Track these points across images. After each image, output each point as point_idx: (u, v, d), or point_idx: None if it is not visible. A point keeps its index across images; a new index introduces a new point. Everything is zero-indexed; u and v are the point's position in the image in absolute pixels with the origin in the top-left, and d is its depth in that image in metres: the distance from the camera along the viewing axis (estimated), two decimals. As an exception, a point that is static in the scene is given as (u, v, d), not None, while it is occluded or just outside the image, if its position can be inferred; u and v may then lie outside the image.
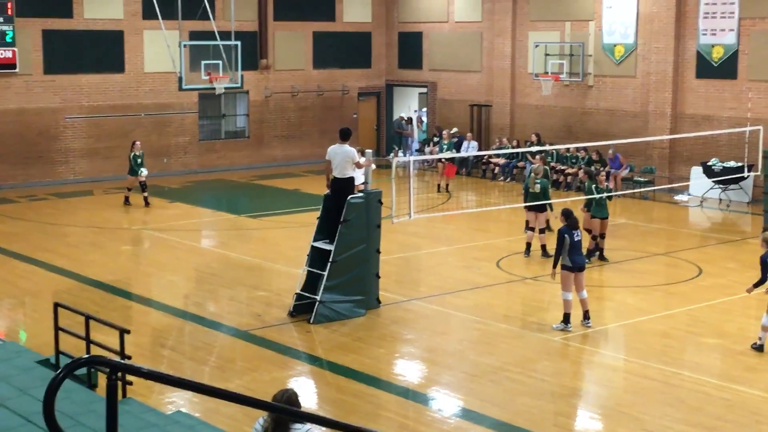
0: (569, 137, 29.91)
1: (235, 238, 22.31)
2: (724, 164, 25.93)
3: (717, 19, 26.89)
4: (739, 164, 25.09)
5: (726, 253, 20.33)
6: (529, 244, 19.83)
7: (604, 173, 20.17)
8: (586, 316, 14.95)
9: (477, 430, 11.22)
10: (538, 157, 22.31)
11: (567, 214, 15.07)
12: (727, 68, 26.82)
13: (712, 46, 27.08)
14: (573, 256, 14.76)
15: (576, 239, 14.82)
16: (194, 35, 29.78)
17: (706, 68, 27.31)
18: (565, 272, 14.77)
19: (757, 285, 14.01)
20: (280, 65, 33.78)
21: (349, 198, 15.48)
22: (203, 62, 27.61)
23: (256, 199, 28.41)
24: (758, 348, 13.82)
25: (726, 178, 25.51)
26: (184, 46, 27.34)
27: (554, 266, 14.88)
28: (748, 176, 24.88)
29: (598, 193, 19.31)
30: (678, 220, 24.92)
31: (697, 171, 26.76)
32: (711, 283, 17.82)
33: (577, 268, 14.80)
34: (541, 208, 19.56)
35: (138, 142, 26.19)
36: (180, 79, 26.95)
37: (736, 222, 24.54)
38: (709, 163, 26.24)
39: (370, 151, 16.57)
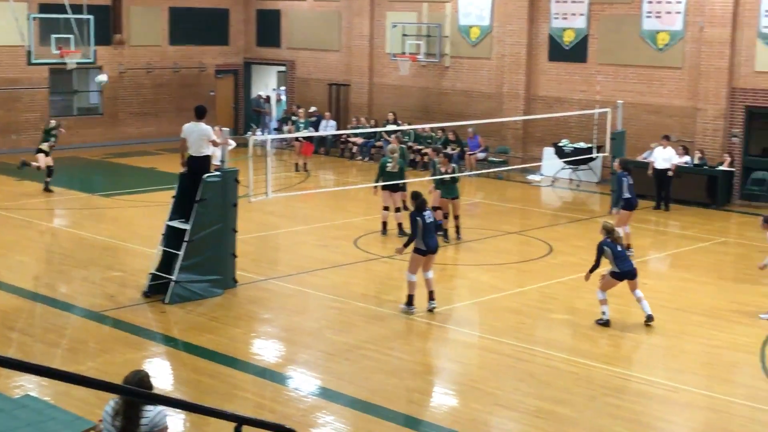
0: (426, 117, 30.27)
1: (88, 217, 21.76)
2: (575, 145, 26.72)
3: (568, 4, 27.60)
4: (589, 145, 25.89)
5: (576, 231, 20.96)
6: (385, 224, 20.00)
7: (443, 157, 20.25)
8: (431, 297, 14.81)
9: (333, 408, 11.29)
10: (393, 136, 22.61)
11: (415, 196, 14.99)
12: (577, 52, 27.58)
13: (564, 29, 27.80)
14: (426, 239, 14.67)
15: (428, 221, 14.74)
16: (44, 8, 28.84)
17: (557, 51, 28.02)
18: (417, 255, 14.74)
19: (592, 271, 14.54)
20: (135, 41, 33.03)
21: (204, 177, 15.28)
22: (54, 36, 26.77)
23: (109, 177, 27.76)
24: (604, 323, 14.31)
25: (576, 158, 26.28)
26: (33, 18, 26.45)
27: (404, 246, 14.96)
28: (597, 157, 25.70)
29: (440, 174, 19.53)
30: (531, 199, 25.54)
31: (549, 152, 27.49)
32: (561, 260, 18.35)
33: (430, 251, 14.76)
34: (397, 188, 19.71)
35: None
36: (29, 53, 26.07)
37: (586, 201, 25.32)
38: (560, 144, 26.98)
39: (227, 129, 16.38)
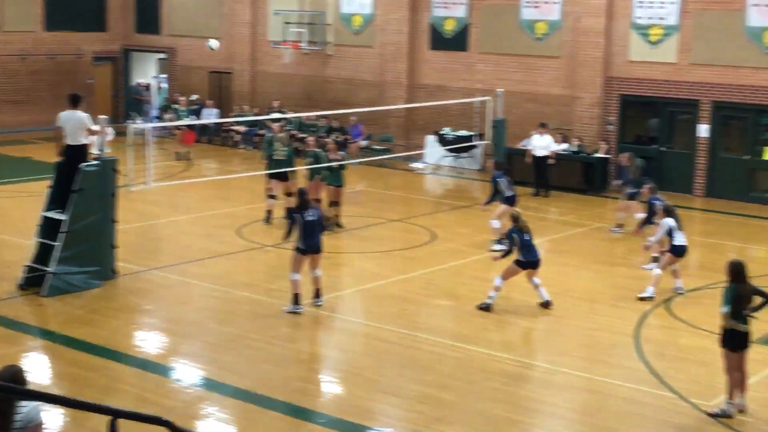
0: (310, 105, 30.18)
1: (-41, 208, 21.06)
2: (456, 133, 27.02)
3: (449, -7, 27.86)
4: (470, 133, 26.22)
5: (457, 218, 21.23)
6: (269, 212, 19.90)
7: (333, 143, 20.51)
8: (317, 294, 14.42)
9: (217, 399, 11.20)
10: (276, 125, 22.48)
11: (299, 194, 14.71)
12: (458, 41, 27.88)
13: (445, 18, 28.06)
14: (306, 238, 14.19)
15: (308, 219, 14.20)
16: None
17: (439, 40, 28.27)
18: (297, 255, 14.29)
19: (504, 256, 14.87)
20: (8, 26, 32.02)
21: (82, 166, 14.94)
22: None
23: (-18, 167, 26.89)
24: (485, 308, 14.55)
25: (458, 146, 26.58)
26: None
27: (283, 238, 14.81)
28: (478, 145, 26.05)
29: (327, 161, 19.58)
30: (414, 187, 25.75)
31: (431, 140, 27.74)
32: (444, 247, 18.56)
33: (311, 251, 14.31)
34: (284, 176, 19.64)
35: None
36: None
37: (467, 188, 25.64)
38: (442, 132, 27.26)
39: (105, 117, 16.04)
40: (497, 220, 18.38)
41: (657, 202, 17.11)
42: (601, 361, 12.81)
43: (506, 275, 14.72)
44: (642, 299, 15.36)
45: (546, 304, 14.75)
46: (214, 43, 22.42)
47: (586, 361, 12.76)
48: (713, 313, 12.09)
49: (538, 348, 13.39)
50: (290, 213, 14.53)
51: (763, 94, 23.45)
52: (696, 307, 15.22)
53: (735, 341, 10.83)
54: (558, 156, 24.41)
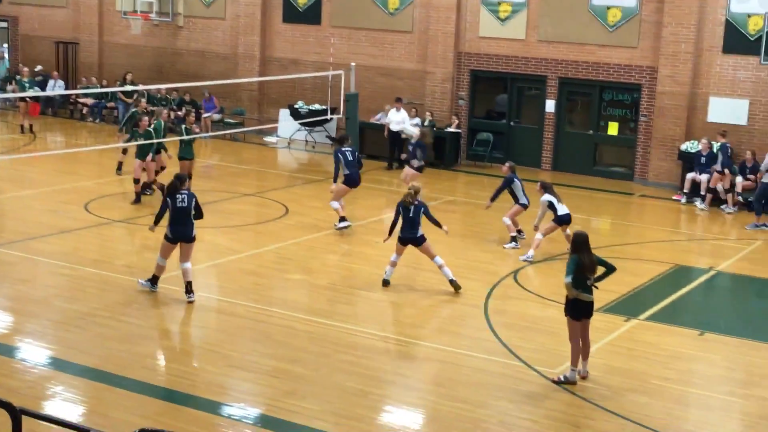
0: (160, 78, 29.59)
1: None
2: (310, 107, 26.95)
3: (302, -34, 27.70)
4: (324, 107, 26.20)
5: (311, 192, 21.22)
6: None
7: (193, 114, 20.38)
8: (187, 289, 13.53)
9: (63, 378, 10.91)
10: (143, 100, 22.40)
11: (174, 177, 13.86)
12: (311, 14, 27.76)
13: (298, -9, 27.88)
14: (174, 225, 13.44)
15: (179, 206, 13.40)
16: None
17: (292, 13, 28.09)
18: (165, 242, 13.59)
19: (390, 233, 14.86)
20: None
21: None
22: None
23: None
24: (384, 283, 14.68)
25: (311, 120, 26.52)
26: None
27: (153, 225, 14.16)
28: (332, 119, 26.07)
29: (187, 134, 19.40)
30: (267, 161, 25.58)
31: (284, 113, 27.59)
32: (297, 221, 18.54)
33: (181, 239, 13.52)
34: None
35: None
36: None
37: (321, 162, 25.61)
38: (296, 106, 27.14)
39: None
40: (339, 200, 18.07)
41: (516, 180, 17.70)
42: (452, 332, 13.05)
43: (397, 250, 14.75)
44: (525, 261, 16.38)
45: (454, 285, 14.52)
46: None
47: (438, 332, 12.99)
48: (559, 284, 12.45)
49: (390, 321, 13.54)
50: (164, 198, 13.64)
51: (606, 70, 24.20)
52: (543, 277, 15.67)
53: (578, 310, 11.19)
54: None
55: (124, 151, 21.40)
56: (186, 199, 13.50)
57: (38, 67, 30.94)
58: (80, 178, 21.47)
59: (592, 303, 11.29)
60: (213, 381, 11.03)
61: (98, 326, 12.50)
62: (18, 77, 29.44)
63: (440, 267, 14.60)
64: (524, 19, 24.94)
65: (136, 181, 19.24)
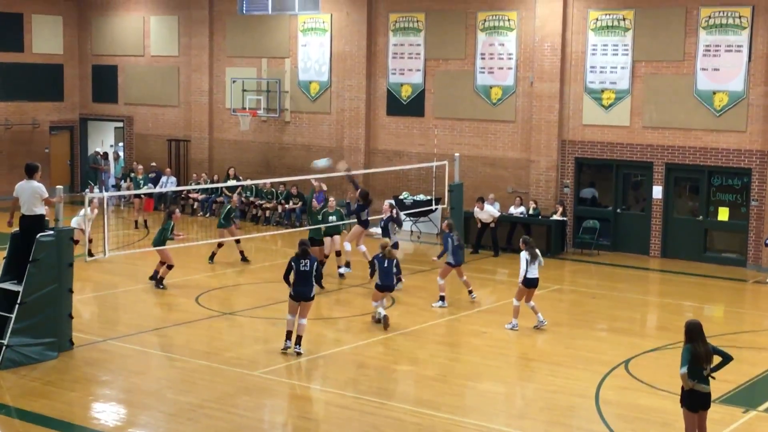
0: (268, 172, 30.27)
1: None
2: (415, 197, 27.15)
3: (405, 59, 28.22)
4: (428, 197, 26.37)
5: (417, 282, 21.22)
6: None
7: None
8: (297, 341, 15.42)
9: (175, 471, 11.03)
10: (235, 195, 23.37)
11: (299, 244, 15.55)
12: (415, 106, 28.17)
13: (401, 84, 28.37)
14: (296, 287, 15.27)
15: (302, 268, 15.24)
16: None
17: (396, 106, 28.55)
18: (290, 300, 15.41)
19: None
20: (-37, 96, 31.92)
21: (38, 236, 14.82)
22: None
23: (-64, 238, 26.56)
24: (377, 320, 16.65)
25: (416, 210, 26.68)
26: None
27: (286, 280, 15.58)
28: (437, 209, 26.20)
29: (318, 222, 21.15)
30: (372, 251, 25.66)
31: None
32: (403, 311, 18.52)
33: (300, 299, 15.29)
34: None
35: None
36: None
37: (426, 252, 25.65)
38: (401, 197, 27.38)
39: (60, 187, 15.97)
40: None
41: (450, 239, 18.84)
42: (561, 423, 12.80)
43: (374, 297, 17.37)
44: (511, 329, 17.12)
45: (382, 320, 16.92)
46: (321, 163, 22.74)
47: (547, 423, 12.74)
48: (672, 374, 12.15)
49: (499, 412, 13.34)
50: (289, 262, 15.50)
51: (714, 155, 23.87)
52: (655, 367, 15.30)
53: (695, 402, 10.87)
54: (514, 219, 24.77)
55: (220, 244, 22.77)
56: (309, 264, 15.26)
57: (152, 164, 31.97)
58: (191, 272, 21.94)
59: (709, 394, 10.96)
60: (322, 473, 10.99)
61: (208, 418, 12.64)
62: (132, 175, 30.47)
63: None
64: (628, 105, 24.86)
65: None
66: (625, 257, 24.65)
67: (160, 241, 20.05)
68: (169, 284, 20.32)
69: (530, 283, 17.20)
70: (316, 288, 15.73)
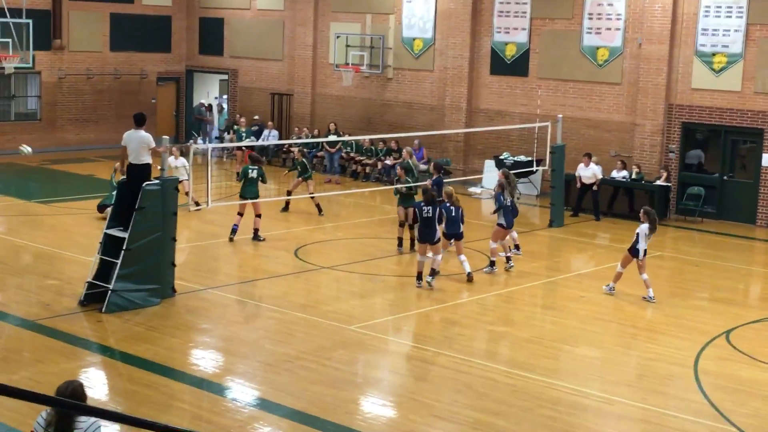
0: (369, 128, 30.33)
1: (24, 224, 21.43)
2: (515, 158, 26.92)
3: (510, 18, 27.87)
4: (529, 158, 26.13)
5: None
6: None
7: (400, 168, 20.70)
8: (431, 273, 16.98)
9: (271, 419, 11.24)
10: (297, 149, 23.81)
11: (423, 191, 17.56)
12: (519, 66, 27.84)
13: (506, 44, 28.05)
14: (420, 230, 17.01)
15: (425, 215, 16.84)
16: (-18, 11, 28.39)
17: (499, 65, 28.26)
18: (419, 244, 17.10)
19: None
20: (75, 46, 32.67)
21: (144, 185, 15.15)
22: (-9, 40, 26.37)
23: (47, 184, 27.40)
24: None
25: (517, 171, 26.42)
26: (-29, 22, 26.04)
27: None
28: (537, 170, 25.96)
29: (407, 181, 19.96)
30: (472, 211, 25.57)
31: (489, 164, 27.66)
32: (499, 272, 18.44)
33: (421, 240, 17.06)
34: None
35: None
36: (-35, 57, 25.67)
37: (526, 214, 25.45)
38: (501, 157, 27.17)
39: (167, 137, 16.27)
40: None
41: (501, 197, 18.48)
42: (658, 391, 12.64)
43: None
44: (609, 292, 16.92)
45: (468, 277, 17.33)
46: (26, 149, 22.20)
47: (643, 391, 12.59)
48: (775, 346, 11.88)
49: (594, 376, 13.23)
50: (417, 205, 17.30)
51: (829, 124, 23.07)
52: (758, 339, 14.97)
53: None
54: (616, 183, 24.34)
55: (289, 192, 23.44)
56: (431, 210, 16.90)
57: (255, 117, 32.33)
58: (291, 225, 22.20)
59: (812, 368, 10.70)
60: (416, 430, 11.08)
61: (305, 370, 12.82)
62: (236, 127, 30.85)
63: (462, 261, 17.39)
64: (740, 70, 24.14)
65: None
66: (731, 226, 24.07)
67: (256, 191, 20.19)
68: (270, 236, 20.57)
69: (637, 253, 16.71)
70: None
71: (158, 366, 12.74)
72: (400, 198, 20.04)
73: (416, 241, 17.44)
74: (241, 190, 20.19)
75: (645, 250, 16.72)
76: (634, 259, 16.70)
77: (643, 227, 16.56)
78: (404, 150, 22.92)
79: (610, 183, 24.91)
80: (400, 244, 19.74)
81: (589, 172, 24.24)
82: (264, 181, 20.42)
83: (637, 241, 16.60)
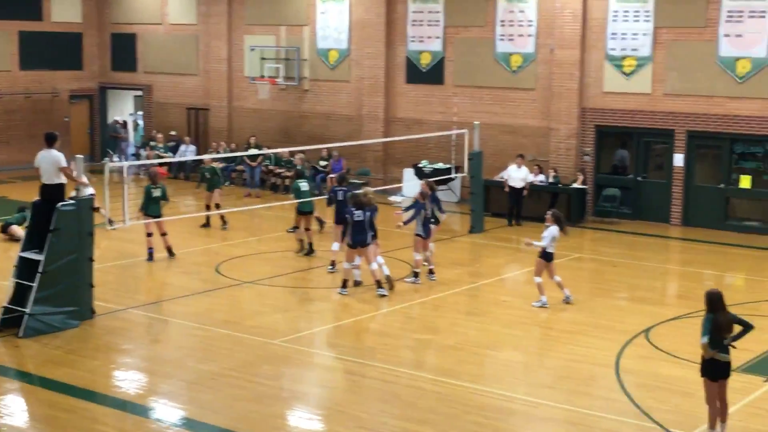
0: (287, 140, 30.24)
1: (-66, 250, 20.86)
2: (434, 166, 27.07)
3: (424, 27, 28.05)
4: (448, 166, 26.29)
5: (436, 252, 21.15)
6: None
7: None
8: (378, 284, 17.09)
9: (197, 439, 11.10)
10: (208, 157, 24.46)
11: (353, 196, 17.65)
12: (434, 74, 28.02)
13: (421, 52, 28.22)
14: (353, 235, 17.11)
15: (356, 219, 16.93)
16: None
17: (415, 74, 28.41)
18: (348, 248, 17.29)
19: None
20: (-18, 66, 31.97)
21: (58, 205, 14.87)
22: None
23: (-42, 207, 26.71)
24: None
25: (436, 179, 26.55)
26: None
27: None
28: (456, 177, 26.13)
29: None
30: (392, 220, 25.65)
31: (409, 173, 27.77)
32: (422, 281, 18.49)
33: (357, 246, 17.09)
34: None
35: None
36: None
37: (446, 222, 25.54)
38: (420, 165, 27.31)
39: (81, 156, 15.99)
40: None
41: (339, 192, 19.10)
42: (581, 392, 12.78)
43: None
44: (541, 306, 16.61)
45: (386, 279, 17.30)
46: None
47: (567, 392, 12.73)
48: (693, 342, 12.12)
49: (519, 380, 13.34)
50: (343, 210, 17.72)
51: (737, 122, 23.66)
52: (675, 336, 15.25)
53: (715, 371, 10.84)
54: (533, 187, 24.57)
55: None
56: (362, 215, 17.02)
57: (171, 133, 31.99)
58: (211, 241, 21.99)
59: (729, 363, 10.93)
60: (342, 442, 11.04)
61: (230, 387, 12.69)
62: (152, 143, 30.48)
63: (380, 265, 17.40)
64: (650, 72, 24.64)
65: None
66: (646, 225, 24.53)
67: (159, 210, 19.97)
68: (191, 253, 20.37)
69: (550, 258, 16.85)
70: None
71: (79, 390, 12.49)
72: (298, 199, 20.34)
73: (347, 247, 17.35)
74: (145, 209, 19.88)
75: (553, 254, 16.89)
76: (547, 263, 16.84)
77: (553, 230, 16.70)
78: (296, 156, 24.31)
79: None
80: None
81: (522, 173, 24.29)
82: (166, 200, 20.15)
83: (547, 245, 16.70)
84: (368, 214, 17.14)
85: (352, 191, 18.72)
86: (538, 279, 16.84)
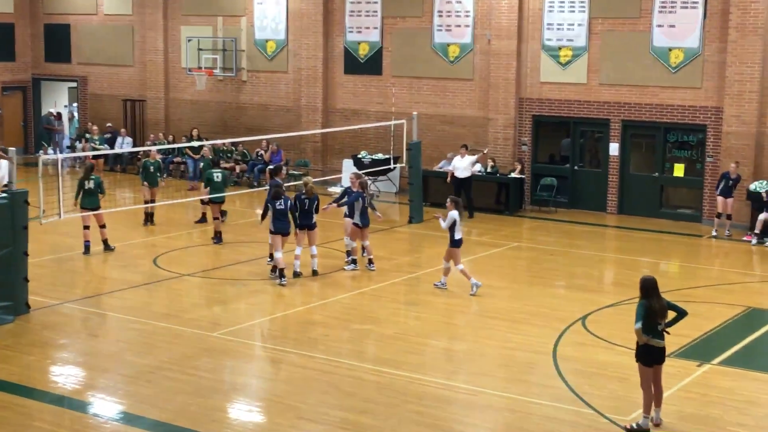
0: (225, 132, 30.08)
1: None
2: (373, 156, 27.11)
3: (362, 17, 28.04)
4: (387, 156, 26.34)
5: (376, 242, 21.20)
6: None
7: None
8: (280, 271, 17.22)
9: (135, 433, 11.02)
10: (206, 148, 23.69)
11: (273, 186, 17.79)
12: (372, 65, 28.05)
13: (359, 43, 28.21)
14: (275, 223, 17.31)
15: (278, 207, 17.27)
16: None
17: (353, 64, 28.40)
18: (271, 235, 17.54)
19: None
20: None
21: (-9, 199, 14.64)
22: None
23: None
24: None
25: (375, 169, 26.65)
26: None
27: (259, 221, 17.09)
28: (395, 168, 26.20)
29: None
30: (330, 212, 25.63)
31: (348, 163, 27.77)
32: (361, 271, 18.54)
33: (277, 232, 17.34)
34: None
35: None
36: None
37: (385, 212, 25.60)
38: (359, 156, 27.32)
39: (13, 149, 15.74)
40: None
41: (361, 198, 18.59)
42: (520, 380, 12.93)
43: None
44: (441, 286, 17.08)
45: (295, 275, 17.60)
46: None
47: (506, 380, 12.87)
48: (629, 329, 12.32)
49: (458, 369, 13.45)
50: (266, 202, 17.62)
51: (670, 112, 24.02)
52: (612, 323, 15.48)
53: (649, 356, 11.03)
54: (473, 177, 24.66)
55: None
56: (284, 203, 17.33)
57: (108, 125, 31.61)
58: (149, 233, 21.80)
59: (663, 349, 11.12)
60: (282, 433, 11.04)
61: (169, 380, 12.62)
62: (88, 135, 30.09)
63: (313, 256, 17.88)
64: (585, 63, 24.91)
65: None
66: (583, 214, 24.84)
67: (96, 202, 19.76)
68: (128, 246, 20.20)
69: (458, 244, 16.94)
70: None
71: (14, 386, 12.32)
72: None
73: (269, 233, 17.68)
74: (81, 201, 19.63)
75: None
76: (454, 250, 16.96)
77: (453, 214, 16.81)
78: (204, 147, 25.04)
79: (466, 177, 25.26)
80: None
81: (465, 163, 24.29)
82: (102, 193, 19.91)
83: (454, 232, 16.82)
84: (290, 203, 17.43)
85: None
86: (460, 267, 16.99)
